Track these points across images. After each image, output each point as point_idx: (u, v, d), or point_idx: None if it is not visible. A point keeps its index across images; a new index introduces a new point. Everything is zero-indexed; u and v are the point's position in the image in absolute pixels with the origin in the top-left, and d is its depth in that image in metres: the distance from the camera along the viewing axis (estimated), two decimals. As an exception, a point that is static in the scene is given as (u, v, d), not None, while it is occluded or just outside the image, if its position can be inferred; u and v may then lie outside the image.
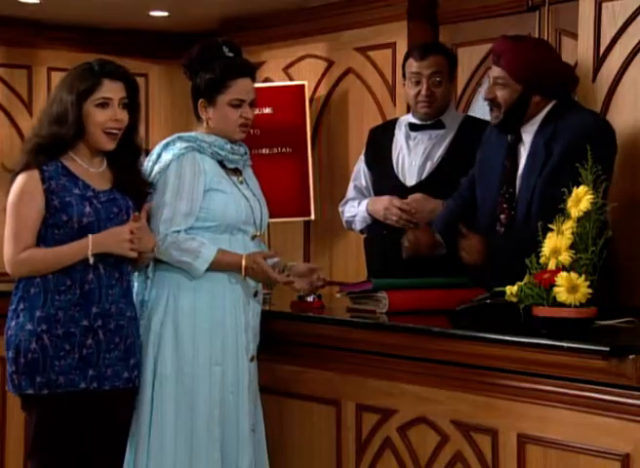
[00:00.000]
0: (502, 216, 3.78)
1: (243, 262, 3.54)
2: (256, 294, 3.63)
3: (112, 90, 3.37)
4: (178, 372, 3.51)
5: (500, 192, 3.80)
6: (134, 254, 3.36)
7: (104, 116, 3.35)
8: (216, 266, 3.53)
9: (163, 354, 3.52)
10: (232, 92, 3.60)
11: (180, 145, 3.58)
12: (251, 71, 3.68)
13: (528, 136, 3.77)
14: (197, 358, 3.53)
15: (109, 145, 3.40)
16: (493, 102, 3.77)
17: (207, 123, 3.64)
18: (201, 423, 3.51)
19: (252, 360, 3.61)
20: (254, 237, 3.67)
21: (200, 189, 3.55)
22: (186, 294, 3.55)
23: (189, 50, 3.71)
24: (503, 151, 3.83)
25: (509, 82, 3.72)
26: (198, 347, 3.53)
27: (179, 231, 3.52)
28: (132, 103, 3.43)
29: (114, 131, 3.38)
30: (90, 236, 3.30)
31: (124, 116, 3.39)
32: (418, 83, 4.38)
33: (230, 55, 3.64)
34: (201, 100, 3.64)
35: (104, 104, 3.36)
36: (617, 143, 3.75)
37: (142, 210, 3.43)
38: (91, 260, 3.30)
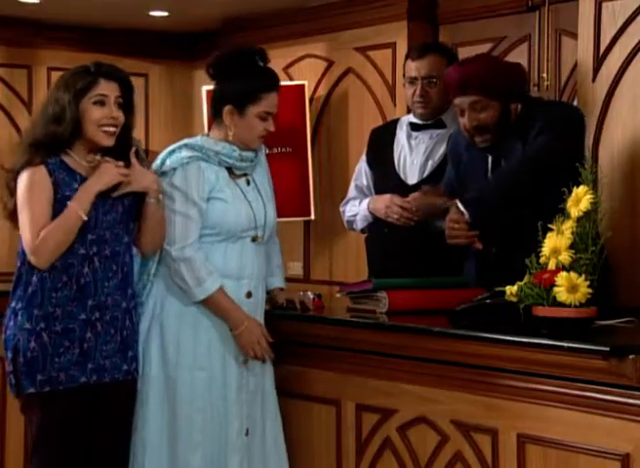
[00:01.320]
0: None
1: (245, 323, 3.55)
2: (249, 296, 3.62)
3: (108, 88, 3.38)
4: (163, 375, 3.53)
5: None
6: (125, 179, 3.38)
7: (101, 113, 3.37)
8: (213, 304, 3.53)
9: (149, 355, 3.54)
10: (264, 104, 3.60)
11: (185, 154, 3.57)
12: (279, 85, 3.69)
13: None
14: (180, 362, 3.54)
15: (107, 141, 3.40)
16: (478, 128, 3.76)
17: (229, 129, 3.61)
18: (182, 427, 3.52)
19: (246, 362, 3.60)
20: (254, 239, 3.65)
21: (204, 198, 3.55)
22: (173, 298, 3.56)
23: (220, 51, 3.70)
24: (480, 166, 3.83)
25: (488, 102, 3.72)
26: (181, 351, 3.54)
27: (194, 244, 3.52)
28: (127, 104, 3.45)
29: (111, 128, 3.39)
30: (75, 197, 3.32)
31: (120, 114, 3.41)
32: (414, 83, 4.38)
33: (261, 64, 3.63)
34: (229, 107, 3.59)
35: (101, 102, 3.37)
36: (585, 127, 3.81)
37: (131, 155, 3.44)
38: (84, 218, 3.30)
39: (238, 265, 3.59)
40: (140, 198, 3.47)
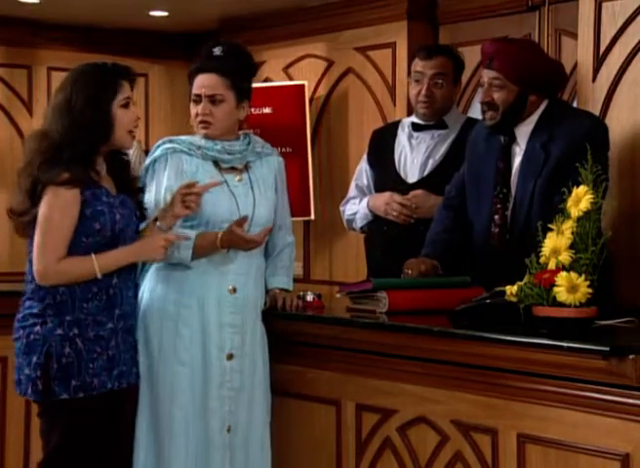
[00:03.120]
0: (497, 217, 3.78)
1: (219, 235, 3.54)
2: (234, 291, 3.61)
3: (128, 89, 3.38)
4: (147, 371, 3.54)
5: (493, 193, 3.80)
6: (163, 256, 3.40)
7: (129, 116, 3.36)
8: (199, 250, 3.54)
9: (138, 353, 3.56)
10: (193, 87, 3.65)
11: (165, 146, 3.63)
12: (218, 68, 3.62)
13: (522, 136, 3.77)
14: (162, 357, 3.55)
15: (132, 144, 3.43)
16: (489, 105, 3.77)
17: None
18: (164, 423, 3.53)
19: (229, 358, 3.59)
20: None
21: None
22: (157, 293, 3.58)
23: None
24: (495, 155, 3.83)
25: (506, 83, 3.72)
26: (163, 346, 3.55)
27: None
28: None
29: (136, 130, 3.40)
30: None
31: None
32: (420, 82, 4.38)
33: (218, 54, 3.64)
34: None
35: (127, 105, 3.36)
36: (609, 141, 3.76)
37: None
38: (99, 276, 3.28)
39: (221, 257, 3.59)
40: (134, 200, 3.46)
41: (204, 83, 3.62)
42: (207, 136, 3.65)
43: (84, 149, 3.29)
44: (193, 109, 3.65)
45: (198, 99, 3.63)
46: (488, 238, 3.80)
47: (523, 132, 3.77)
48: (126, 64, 3.45)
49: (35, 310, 3.31)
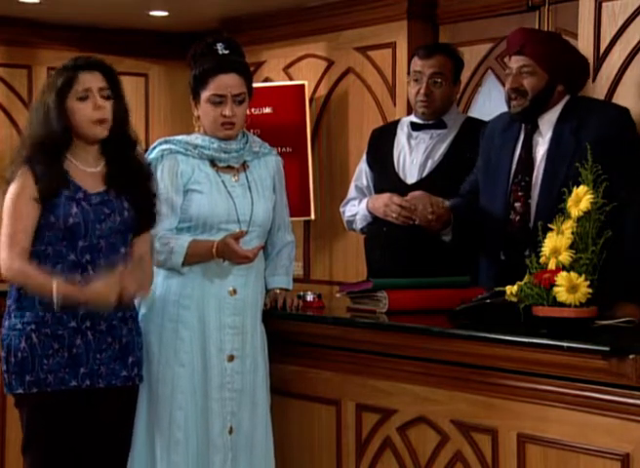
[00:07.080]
0: (518, 205, 3.77)
1: (215, 244, 3.52)
2: (234, 292, 3.60)
3: (89, 80, 3.32)
4: (149, 373, 3.54)
5: (513, 181, 3.79)
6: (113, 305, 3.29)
7: (88, 107, 3.31)
8: (192, 258, 3.53)
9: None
10: (211, 88, 3.57)
11: (161, 147, 3.62)
12: (236, 67, 3.60)
13: (546, 125, 3.77)
14: (162, 358, 3.55)
15: (102, 133, 3.34)
16: (518, 91, 3.75)
17: (196, 120, 3.66)
18: (163, 425, 3.53)
19: (230, 360, 3.59)
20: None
21: (178, 190, 3.57)
22: (156, 294, 3.57)
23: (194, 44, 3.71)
24: (511, 146, 3.83)
25: (537, 70, 3.73)
26: (163, 347, 3.55)
27: (163, 235, 3.54)
28: (115, 93, 3.38)
29: (102, 119, 3.31)
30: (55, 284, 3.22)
31: (105, 104, 3.33)
32: (419, 81, 4.38)
33: (224, 52, 3.60)
34: (191, 98, 3.65)
35: (85, 97, 3.31)
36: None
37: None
38: (54, 301, 3.23)
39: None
40: (139, 201, 3.43)
41: (228, 83, 3.57)
42: (229, 138, 3.62)
43: (44, 148, 3.29)
44: (214, 111, 3.58)
45: (223, 100, 3.57)
46: (503, 228, 3.78)
47: (546, 120, 3.77)
48: (92, 56, 3.42)
49: (7, 304, 3.36)
